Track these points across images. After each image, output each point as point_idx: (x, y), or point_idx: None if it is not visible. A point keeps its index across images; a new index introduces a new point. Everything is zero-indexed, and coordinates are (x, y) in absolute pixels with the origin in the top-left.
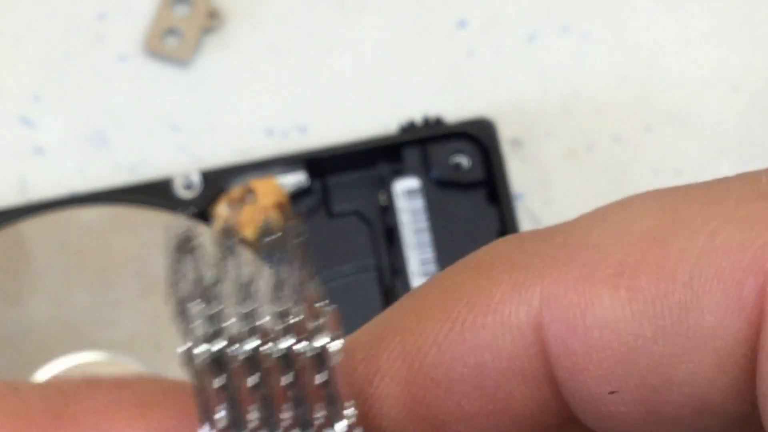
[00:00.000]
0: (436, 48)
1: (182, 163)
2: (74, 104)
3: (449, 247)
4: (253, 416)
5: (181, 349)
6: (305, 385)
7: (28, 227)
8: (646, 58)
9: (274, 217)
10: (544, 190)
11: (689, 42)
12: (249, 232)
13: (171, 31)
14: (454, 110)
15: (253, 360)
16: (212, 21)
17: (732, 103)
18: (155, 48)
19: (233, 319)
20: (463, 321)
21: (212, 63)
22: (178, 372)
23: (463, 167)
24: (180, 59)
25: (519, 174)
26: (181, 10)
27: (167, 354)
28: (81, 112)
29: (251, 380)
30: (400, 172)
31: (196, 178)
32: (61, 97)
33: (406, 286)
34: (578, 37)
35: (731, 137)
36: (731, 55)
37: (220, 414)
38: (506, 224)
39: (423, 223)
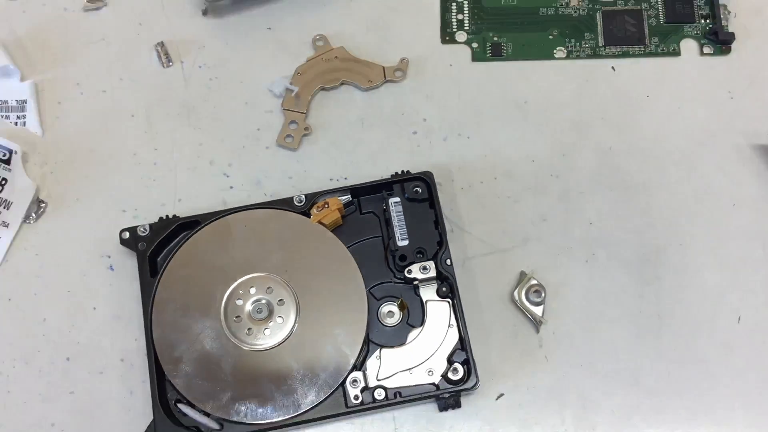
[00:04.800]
0: (402, 143)
1: (292, 192)
2: (246, 167)
3: (413, 228)
4: None
5: None
6: None
7: (231, 218)
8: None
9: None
10: (460, 213)
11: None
12: (327, 221)
13: (289, 135)
14: (415, 169)
15: None
16: (307, 131)
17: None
18: (281, 142)
19: None
20: None
21: (310, 148)
22: (300, 280)
23: (419, 192)
24: (292, 148)
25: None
26: (293, 125)
27: (294, 273)
28: (249, 171)
29: None
30: (391, 194)
31: (303, 197)
32: (241, 164)
33: (394, 244)
34: (462, 139)
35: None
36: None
37: None
38: (438, 219)
39: (401, 217)
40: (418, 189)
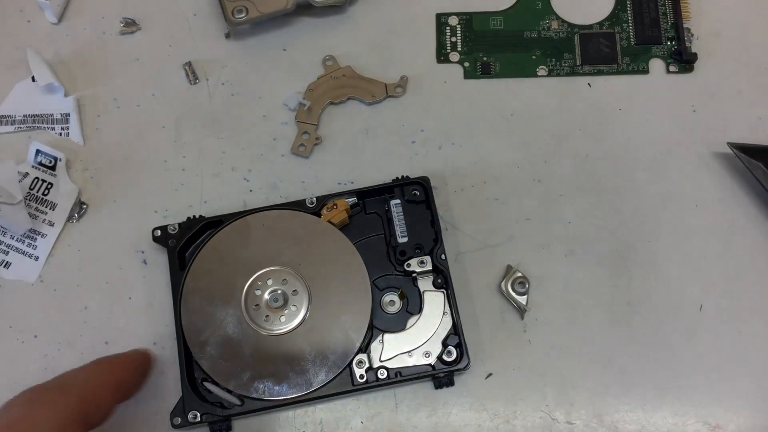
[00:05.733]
0: (401, 151)
1: (305, 195)
2: (264, 173)
3: (412, 226)
4: None
5: None
6: None
7: (251, 218)
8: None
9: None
10: (453, 214)
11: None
12: (336, 221)
13: (302, 145)
14: (413, 174)
15: None
16: (318, 140)
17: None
18: (295, 151)
19: None
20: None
21: (320, 156)
22: (311, 272)
23: (417, 195)
24: (305, 156)
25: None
26: (305, 136)
27: (306, 266)
28: (267, 176)
29: None
30: (392, 197)
31: (315, 199)
32: (259, 170)
33: (395, 241)
34: (455, 148)
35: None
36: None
37: None
38: (434, 218)
39: (401, 217)
40: (416, 192)
